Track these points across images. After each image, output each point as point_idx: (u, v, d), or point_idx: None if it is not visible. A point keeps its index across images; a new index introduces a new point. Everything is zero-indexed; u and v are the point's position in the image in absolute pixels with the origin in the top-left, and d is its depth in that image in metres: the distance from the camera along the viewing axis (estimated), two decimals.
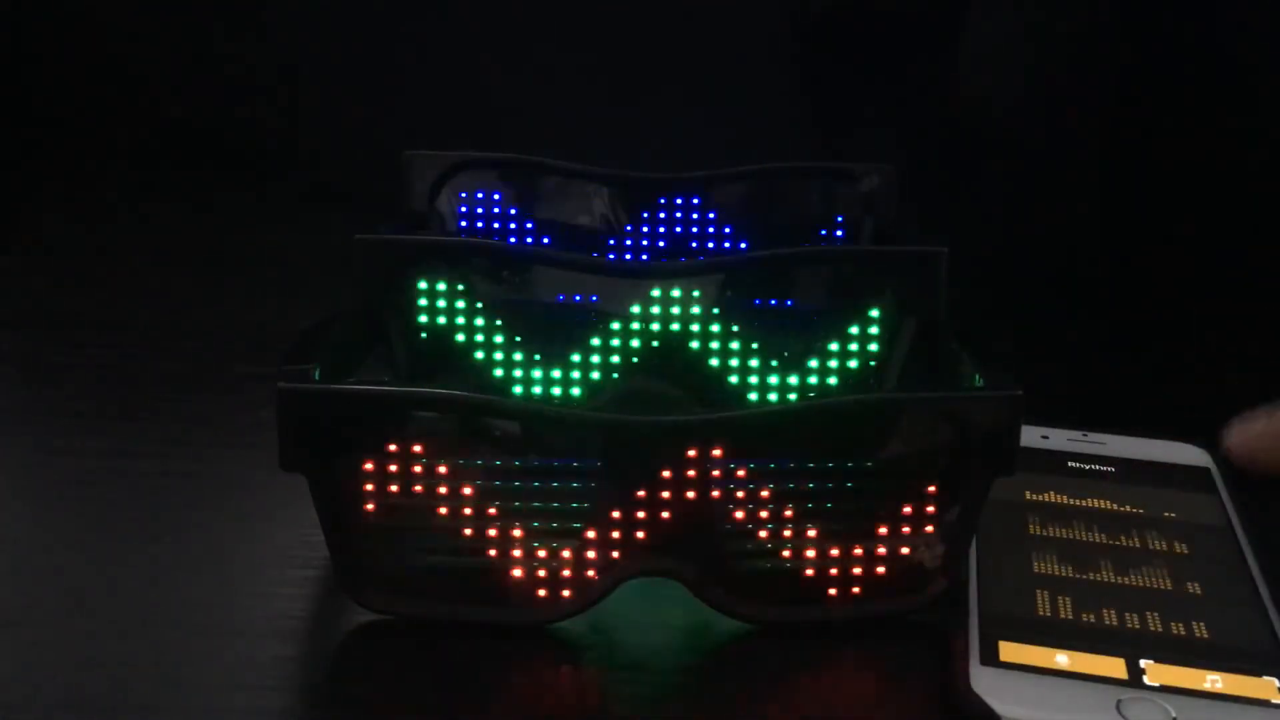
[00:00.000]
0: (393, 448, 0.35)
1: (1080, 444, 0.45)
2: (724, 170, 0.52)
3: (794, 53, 0.68)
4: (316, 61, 0.70)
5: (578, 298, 0.44)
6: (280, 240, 0.66)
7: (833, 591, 0.37)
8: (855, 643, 0.37)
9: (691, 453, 0.35)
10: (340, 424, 0.34)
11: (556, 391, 0.44)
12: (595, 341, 0.43)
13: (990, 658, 0.34)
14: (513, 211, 0.52)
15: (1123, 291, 0.62)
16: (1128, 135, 0.64)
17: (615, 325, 0.43)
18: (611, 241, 0.52)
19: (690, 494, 0.35)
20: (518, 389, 0.44)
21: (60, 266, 0.65)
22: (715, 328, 0.43)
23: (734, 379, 0.44)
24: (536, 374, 0.44)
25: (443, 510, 0.36)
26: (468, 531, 0.36)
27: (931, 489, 0.36)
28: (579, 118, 0.67)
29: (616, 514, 0.35)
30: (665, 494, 0.35)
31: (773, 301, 0.45)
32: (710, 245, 0.52)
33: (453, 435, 0.36)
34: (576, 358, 0.43)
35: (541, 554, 0.36)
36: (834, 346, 0.44)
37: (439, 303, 0.43)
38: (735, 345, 0.44)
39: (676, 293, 0.43)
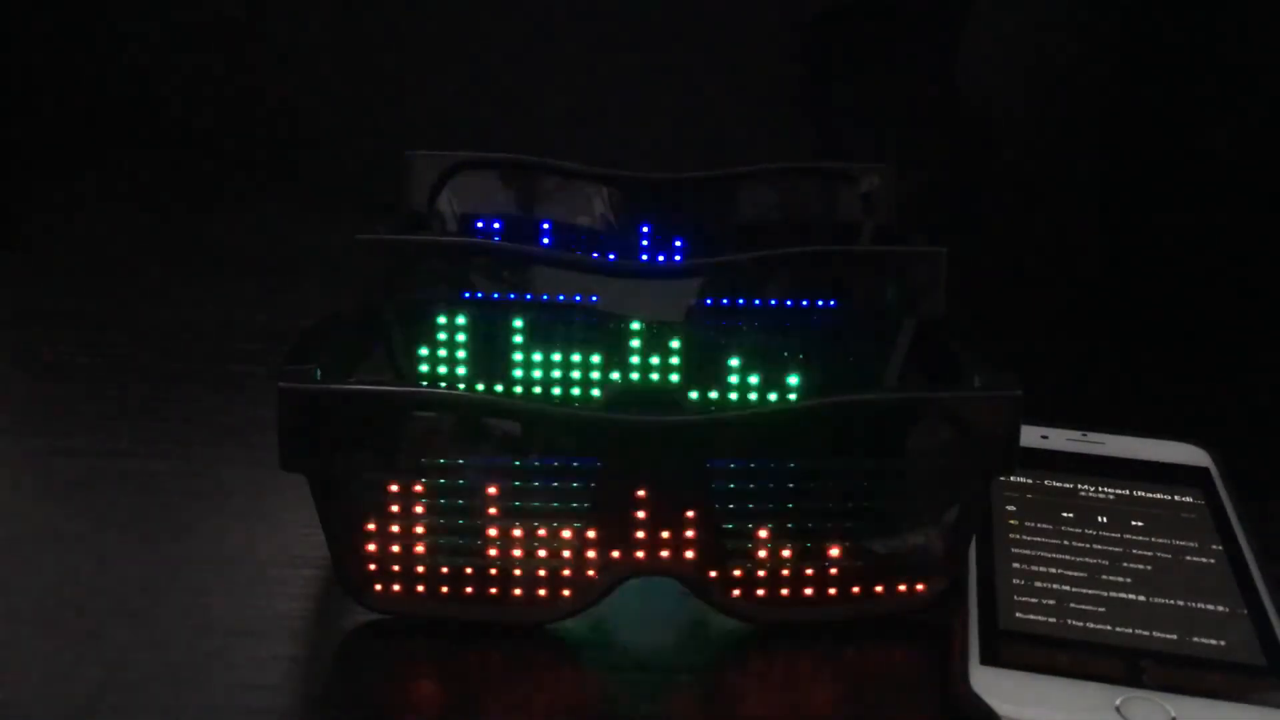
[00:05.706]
0: (393, 447, 0.35)
1: (1080, 444, 0.45)
2: (724, 170, 0.52)
3: (794, 52, 0.68)
4: (317, 62, 0.70)
5: (578, 298, 0.44)
6: (280, 240, 0.66)
7: (833, 591, 0.37)
8: (855, 643, 0.37)
9: (691, 452, 0.35)
10: (340, 424, 0.34)
11: (557, 391, 0.44)
12: (595, 341, 0.43)
13: (990, 658, 0.34)
14: (513, 211, 0.52)
15: (1123, 292, 0.62)
16: (1127, 136, 0.64)
17: (615, 325, 0.43)
18: (612, 242, 0.52)
19: (690, 493, 0.35)
20: (518, 389, 0.44)
21: (61, 266, 0.65)
22: (715, 327, 0.43)
23: (734, 379, 0.44)
24: (537, 374, 0.44)
25: (443, 510, 0.36)
26: (468, 531, 0.36)
27: (931, 489, 0.36)
28: (579, 118, 0.67)
29: (616, 514, 0.35)
30: (665, 494, 0.35)
31: (772, 302, 0.45)
32: (710, 245, 0.52)
33: (453, 435, 0.36)
34: (576, 357, 0.44)
35: (541, 554, 0.36)
36: (835, 346, 0.44)
37: None
38: (735, 345, 0.44)
39: (677, 293, 0.43)
